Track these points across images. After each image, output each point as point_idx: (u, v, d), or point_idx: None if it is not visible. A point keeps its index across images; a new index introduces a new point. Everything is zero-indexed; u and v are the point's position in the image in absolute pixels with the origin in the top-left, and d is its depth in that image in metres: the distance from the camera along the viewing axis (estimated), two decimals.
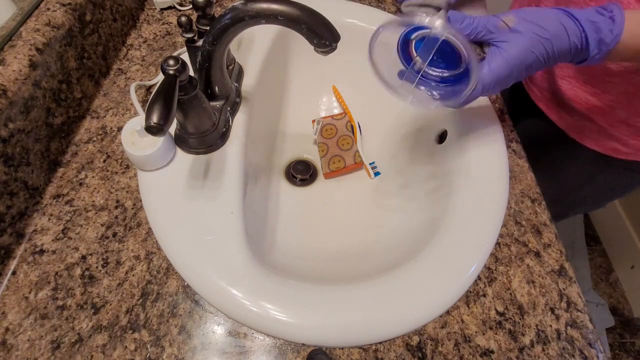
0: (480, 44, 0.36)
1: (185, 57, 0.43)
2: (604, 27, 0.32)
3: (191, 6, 0.58)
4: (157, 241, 0.38)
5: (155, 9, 0.59)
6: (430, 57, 0.34)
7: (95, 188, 0.41)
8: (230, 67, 0.46)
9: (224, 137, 0.43)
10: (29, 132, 0.38)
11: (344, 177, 0.59)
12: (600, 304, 1.21)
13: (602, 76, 0.46)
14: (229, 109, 0.44)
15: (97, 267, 0.37)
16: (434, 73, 0.35)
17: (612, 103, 0.48)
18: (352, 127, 0.59)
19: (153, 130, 0.29)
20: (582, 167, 0.59)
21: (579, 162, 0.58)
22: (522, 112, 0.62)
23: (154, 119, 0.29)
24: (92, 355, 0.33)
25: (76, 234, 0.38)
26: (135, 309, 0.35)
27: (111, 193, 0.41)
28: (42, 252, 0.37)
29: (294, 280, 0.36)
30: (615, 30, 0.32)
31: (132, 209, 0.40)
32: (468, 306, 0.37)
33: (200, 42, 0.40)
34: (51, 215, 0.39)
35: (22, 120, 0.37)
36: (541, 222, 0.43)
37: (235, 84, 0.47)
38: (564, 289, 0.39)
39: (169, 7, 0.60)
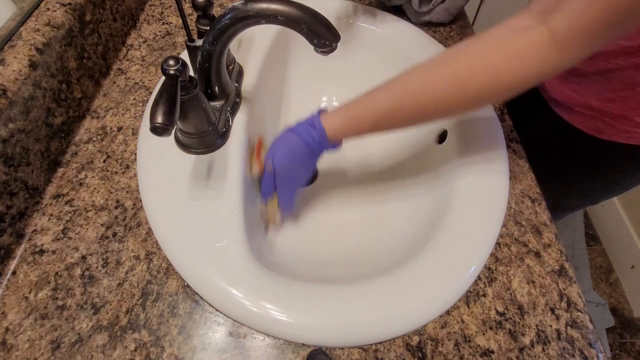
0: None
1: (186, 56, 0.43)
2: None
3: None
4: (157, 241, 0.38)
5: (156, 8, 0.59)
6: None
7: (95, 188, 0.41)
8: (230, 67, 0.46)
9: (224, 137, 0.43)
10: (29, 132, 0.38)
11: (343, 178, 0.59)
12: (600, 304, 1.21)
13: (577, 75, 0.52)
14: (229, 109, 0.44)
15: (97, 267, 0.37)
16: None
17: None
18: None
19: (158, 130, 0.29)
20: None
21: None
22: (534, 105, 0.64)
23: (159, 119, 0.29)
24: (92, 355, 0.33)
25: (76, 234, 0.38)
26: (135, 309, 0.35)
27: (111, 193, 0.41)
28: (42, 252, 0.37)
29: (293, 280, 0.36)
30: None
31: (132, 209, 0.40)
32: (468, 306, 0.37)
33: (200, 42, 0.40)
34: (51, 215, 0.39)
35: (22, 120, 0.37)
36: (541, 222, 0.43)
37: (235, 84, 0.47)
38: (564, 289, 0.39)
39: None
